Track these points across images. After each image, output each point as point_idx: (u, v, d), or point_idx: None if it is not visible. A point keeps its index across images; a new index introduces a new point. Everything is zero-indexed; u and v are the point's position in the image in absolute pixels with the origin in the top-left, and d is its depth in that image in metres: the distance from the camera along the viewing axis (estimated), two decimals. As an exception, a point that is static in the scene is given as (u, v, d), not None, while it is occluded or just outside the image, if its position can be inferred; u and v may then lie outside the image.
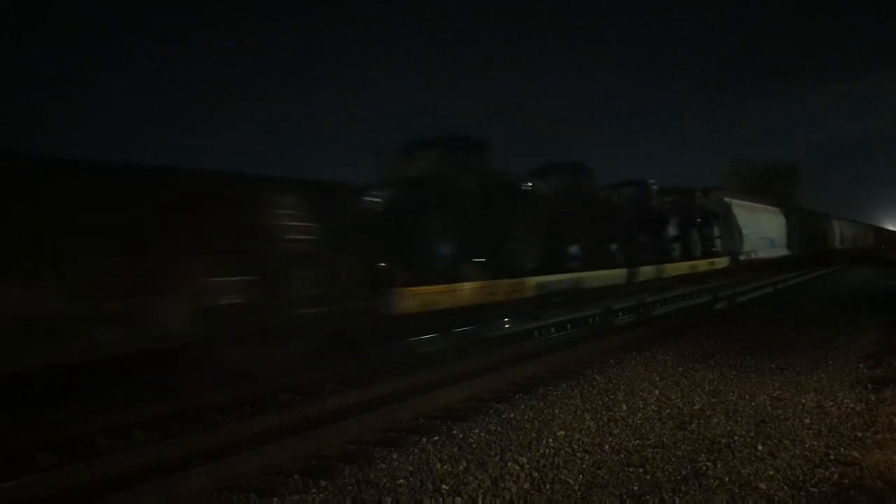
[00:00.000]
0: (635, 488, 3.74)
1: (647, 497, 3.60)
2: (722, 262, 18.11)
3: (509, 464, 4.23)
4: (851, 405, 5.39)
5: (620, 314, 12.58)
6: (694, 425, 4.97)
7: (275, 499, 3.80)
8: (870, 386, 6.00)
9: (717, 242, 18.27)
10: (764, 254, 22.21)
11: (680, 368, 7.16)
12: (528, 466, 4.17)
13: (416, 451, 4.60)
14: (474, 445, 4.67)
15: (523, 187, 11.37)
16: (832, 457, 4.17)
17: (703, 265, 17.15)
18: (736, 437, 4.62)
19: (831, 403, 5.45)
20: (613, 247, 13.47)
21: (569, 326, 10.98)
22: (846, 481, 3.72)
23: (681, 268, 15.96)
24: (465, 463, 4.29)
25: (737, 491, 3.64)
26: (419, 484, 3.95)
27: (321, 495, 3.83)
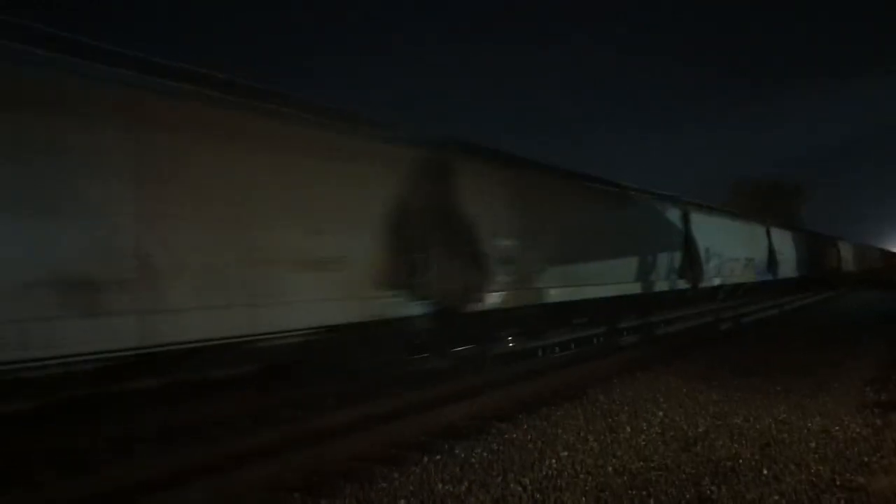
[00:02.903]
0: (639, 511, 3.71)
1: (651, 521, 3.56)
2: None
3: (511, 485, 4.19)
4: (857, 429, 5.33)
5: (625, 333, 12.53)
6: (698, 447, 4.93)
7: (275, 516, 3.78)
8: (876, 410, 5.94)
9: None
10: (736, 278, 17.89)
11: (684, 389, 7.11)
12: (530, 488, 4.14)
13: (418, 469, 4.57)
14: (476, 465, 4.64)
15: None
16: (838, 482, 4.12)
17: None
18: (741, 461, 4.57)
19: (837, 427, 5.40)
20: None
21: (573, 345, 10.93)
22: (852, 507, 3.68)
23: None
24: (466, 483, 4.25)
25: (741, 516, 3.60)
26: None
27: (321, 513, 3.80)
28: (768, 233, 22.32)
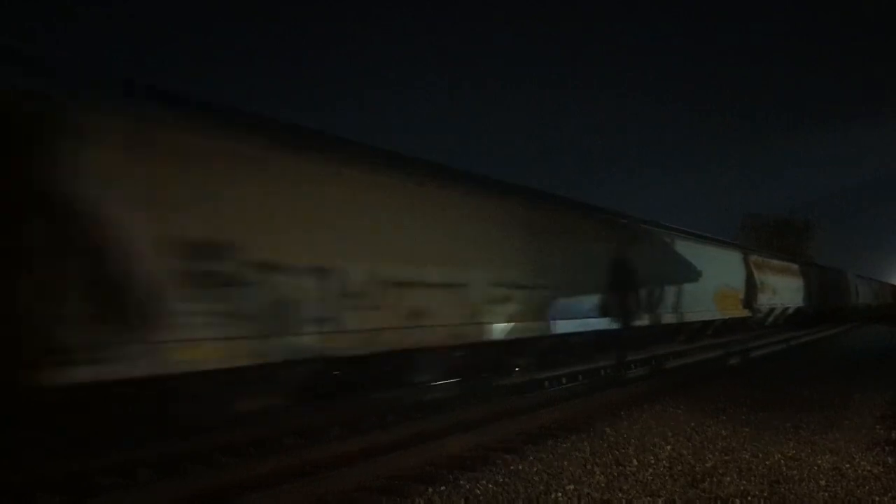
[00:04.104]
0: (645, 548, 3.65)
1: (658, 557, 3.50)
2: None
3: (516, 517, 4.14)
4: (868, 467, 5.26)
5: (633, 366, 12.45)
6: (706, 483, 4.87)
7: (276, 546, 3.74)
8: (887, 448, 5.86)
9: None
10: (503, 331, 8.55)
11: (692, 423, 7.04)
12: (535, 521, 4.08)
13: (422, 501, 4.52)
14: (481, 497, 4.59)
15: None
16: (849, 521, 4.05)
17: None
18: (749, 498, 4.51)
19: (848, 465, 5.32)
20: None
21: (580, 377, 10.86)
22: (863, 548, 3.61)
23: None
24: (471, 515, 4.20)
25: (750, 554, 3.54)
26: (424, 535, 3.87)
27: (324, 544, 3.76)
28: (632, 243, 12.45)
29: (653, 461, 5.51)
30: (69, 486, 4.79)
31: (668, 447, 5.99)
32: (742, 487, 4.74)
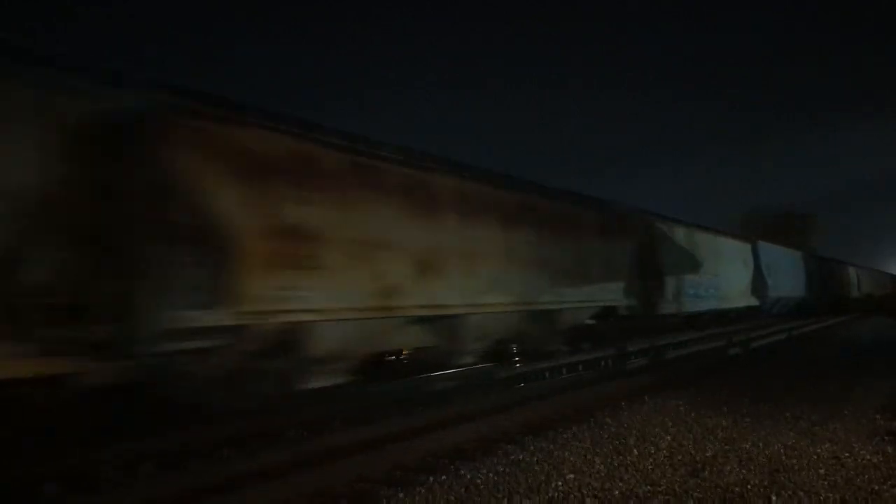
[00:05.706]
0: (645, 536, 3.67)
1: (658, 545, 3.52)
2: None
3: (517, 507, 4.16)
4: (868, 457, 5.27)
5: (633, 357, 12.47)
6: (706, 472, 4.88)
7: (279, 535, 3.77)
8: (887, 438, 5.87)
9: None
10: None
11: (693, 414, 7.05)
12: (536, 510, 4.10)
13: (423, 490, 4.55)
14: (482, 486, 4.61)
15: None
16: (848, 510, 4.07)
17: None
18: (749, 487, 4.53)
19: (847, 455, 5.34)
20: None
21: (580, 368, 10.88)
22: (863, 535, 3.63)
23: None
24: (472, 504, 4.22)
25: (750, 542, 3.55)
26: (425, 525, 3.89)
27: (326, 533, 3.78)
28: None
29: (653, 451, 5.53)
30: (73, 479, 4.81)
31: (669, 437, 6.01)
32: (742, 476, 4.76)
